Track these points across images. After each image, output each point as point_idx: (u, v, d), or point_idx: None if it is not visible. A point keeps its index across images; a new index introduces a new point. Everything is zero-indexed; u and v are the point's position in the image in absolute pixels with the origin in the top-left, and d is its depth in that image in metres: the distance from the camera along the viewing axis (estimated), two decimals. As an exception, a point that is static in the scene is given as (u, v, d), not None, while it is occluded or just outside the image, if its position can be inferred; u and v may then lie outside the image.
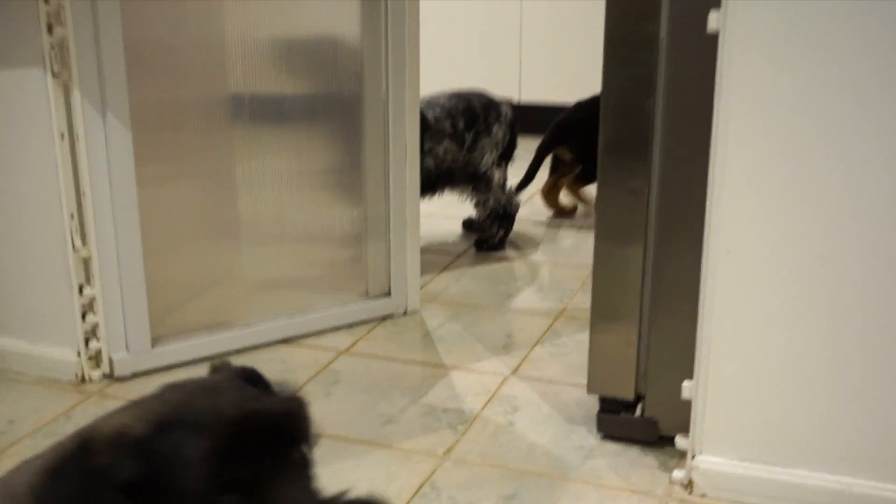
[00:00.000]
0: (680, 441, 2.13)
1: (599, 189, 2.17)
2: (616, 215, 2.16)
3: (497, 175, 3.50)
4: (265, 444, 1.07)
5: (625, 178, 2.12)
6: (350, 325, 2.91)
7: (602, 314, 2.22)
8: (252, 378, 1.24)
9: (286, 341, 2.81)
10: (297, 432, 1.12)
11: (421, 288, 3.09)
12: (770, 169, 1.87)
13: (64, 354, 2.56)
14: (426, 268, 3.22)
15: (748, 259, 1.94)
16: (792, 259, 1.91)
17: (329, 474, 2.17)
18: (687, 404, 2.06)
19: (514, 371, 2.65)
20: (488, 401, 2.48)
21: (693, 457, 2.07)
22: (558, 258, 3.54)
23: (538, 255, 3.58)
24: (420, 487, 2.11)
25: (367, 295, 3.00)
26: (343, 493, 1.10)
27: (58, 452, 1.10)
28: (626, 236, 2.16)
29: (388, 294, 2.99)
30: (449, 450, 2.26)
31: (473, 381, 2.59)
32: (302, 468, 1.12)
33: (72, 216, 2.44)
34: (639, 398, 2.25)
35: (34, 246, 2.52)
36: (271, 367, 2.65)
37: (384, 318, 2.98)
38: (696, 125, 1.99)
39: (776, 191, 1.88)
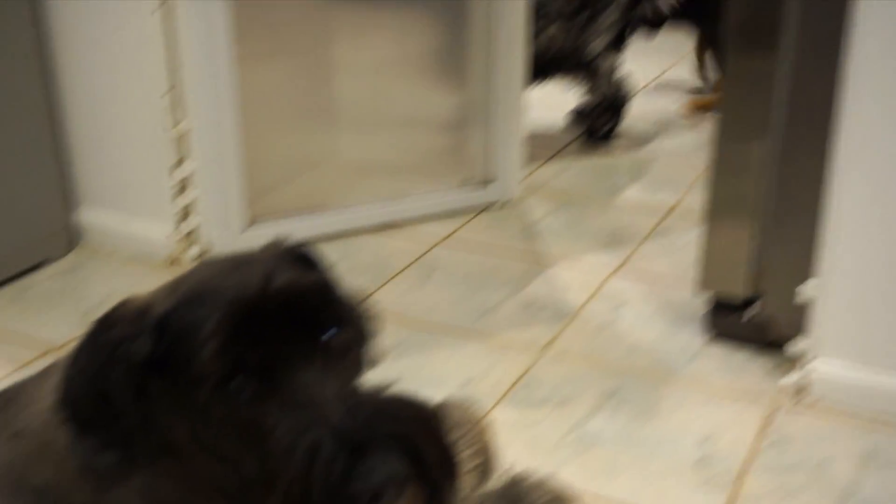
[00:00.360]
0: (794, 344, 1.99)
1: (725, 72, 2.01)
2: (741, 101, 1.99)
3: (609, 61, 3.32)
4: (283, 325, 0.97)
5: (753, 61, 1.95)
6: (449, 214, 2.81)
7: (718, 207, 2.07)
8: (302, 257, 1.12)
9: (383, 228, 2.73)
10: (323, 314, 1.00)
11: (525, 178, 2.97)
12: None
13: (158, 232, 2.52)
14: (530, 158, 3.09)
15: (884, 151, 1.77)
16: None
17: (421, 364, 2.11)
18: (803, 306, 1.92)
19: (620, 267, 2.52)
20: (591, 296, 2.38)
21: (809, 360, 1.94)
22: (672, 152, 3.37)
23: (650, 149, 3.41)
24: (517, 381, 2.02)
25: (467, 183, 2.89)
26: (382, 388, 0.97)
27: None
28: (751, 124, 1.99)
29: (490, 183, 2.88)
30: (548, 344, 2.17)
31: (576, 275, 2.48)
32: (336, 355, 0.99)
33: (170, 89, 2.37)
34: (752, 298, 2.11)
35: (131, 120, 2.46)
36: (367, 253, 2.58)
37: (485, 208, 2.87)
38: (833, 5, 1.81)
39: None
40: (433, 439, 0.96)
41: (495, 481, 1.54)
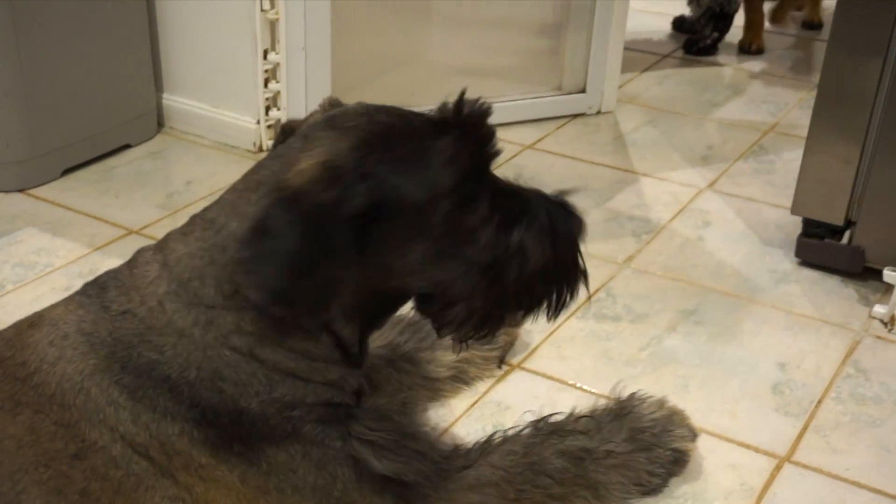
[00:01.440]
0: (888, 275, 1.90)
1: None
2: (857, 17, 1.87)
3: (716, -30, 3.18)
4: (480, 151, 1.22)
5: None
6: (539, 120, 2.74)
7: (822, 127, 1.97)
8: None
9: (470, 129, 2.67)
10: (492, 140, 1.25)
11: (619, 87, 2.88)
12: None
13: (243, 121, 2.51)
14: (627, 66, 2.98)
15: None
16: None
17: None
18: (903, 235, 1.83)
19: (711, 184, 2.44)
20: (678, 212, 2.30)
21: (901, 293, 1.85)
22: (777, 69, 3.23)
23: (754, 64, 3.27)
24: (595, 292, 1.98)
25: (560, 89, 2.81)
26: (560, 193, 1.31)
27: (270, 203, 1.12)
28: (865, 42, 1.88)
29: (584, 90, 2.80)
30: (630, 258, 2.11)
31: (665, 190, 2.41)
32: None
33: (260, -23, 2.34)
34: (848, 224, 2.02)
35: (222, 4, 2.43)
36: (452, 154, 2.54)
37: (576, 116, 2.79)
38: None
39: None
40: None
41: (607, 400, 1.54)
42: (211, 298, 1.20)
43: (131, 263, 1.29)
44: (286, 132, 1.29)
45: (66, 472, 1.20)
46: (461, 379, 1.69)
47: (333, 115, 1.23)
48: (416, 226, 1.18)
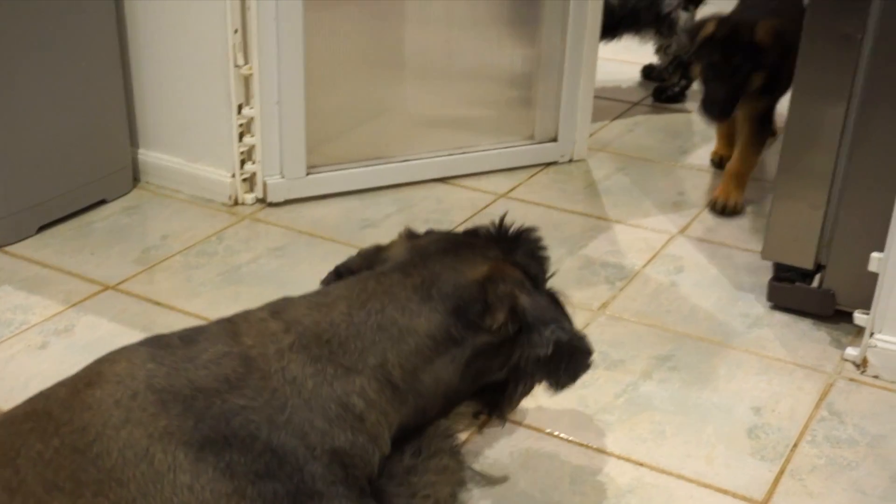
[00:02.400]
0: (859, 317, 1.93)
1: (805, 33, 1.93)
2: (821, 64, 1.92)
3: (684, 18, 3.23)
4: None
5: (836, 20, 1.87)
6: (512, 169, 2.77)
7: (790, 173, 2.01)
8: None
9: (443, 180, 2.70)
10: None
11: (590, 135, 2.92)
12: None
13: (219, 175, 2.53)
14: (598, 115, 3.03)
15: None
16: None
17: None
18: (871, 278, 1.86)
19: (683, 230, 2.47)
20: (651, 258, 2.33)
21: (871, 335, 1.88)
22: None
23: (720, 112, 3.32)
24: (569, 340, 1.99)
25: (532, 139, 2.84)
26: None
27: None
28: (829, 89, 1.93)
29: (555, 139, 2.83)
30: (604, 305, 2.13)
31: (637, 236, 2.44)
32: None
33: (235, 31, 2.36)
34: (818, 268, 2.05)
35: (197, 61, 2.46)
36: (426, 205, 2.56)
37: (548, 165, 2.83)
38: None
39: None
40: None
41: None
42: (350, 361, 1.28)
43: (234, 318, 1.34)
44: (343, 273, 1.49)
45: None
46: None
47: (456, 238, 1.49)
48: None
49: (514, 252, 1.44)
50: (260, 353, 1.27)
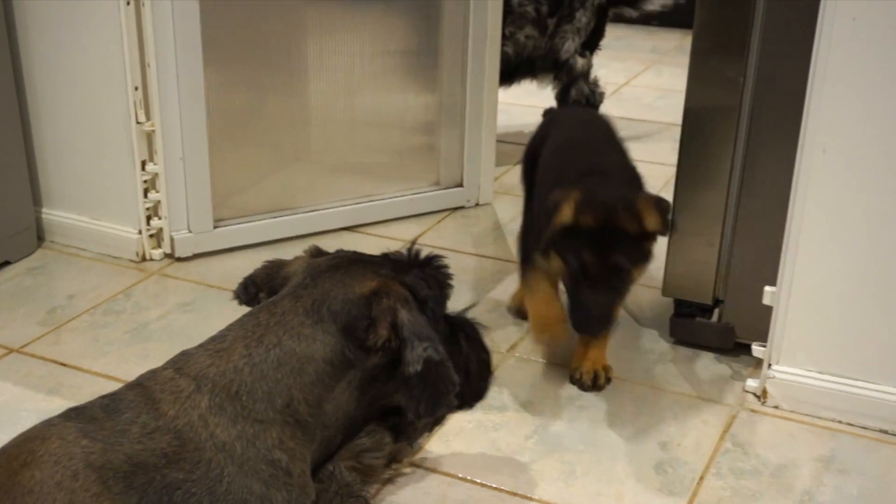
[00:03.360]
0: (757, 349, 2.00)
1: (690, 76, 2.01)
2: (706, 106, 2.00)
3: (580, 63, 3.32)
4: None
5: (719, 65, 1.95)
6: (419, 215, 2.81)
7: (684, 212, 2.08)
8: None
9: (352, 228, 2.72)
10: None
11: (495, 179, 2.97)
12: (874, 65, 1.70)
13: (125, 232, 2.51)
14: (502, 159, 3.08)
15: (845, 159, 1.78)
16: (893, 161, 1.74)
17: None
18: (767, 312, 1.93)
19: (588, 269, 2.52)
20: (558, 299, 2.37)
21: (769, 366, 1.95)
22: (642, 155, 3.34)
23: (621, 152, 3.41)
24: (480, 384, 2.02)
25: (437, 185, 2.89)
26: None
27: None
28: (715, 130, 2.00)
29: (461, 184, 2.88)
30: (513, 346, 2.17)
31: (544, 277, 2.48)
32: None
33: (136, 88, 2.36)
34: (716, 303, 2.12)
35: (97, 118, 2.45)
36: (335, 253, 2.58)
37: (455, 209, 2.87)
38: (799, 13, 1.82)
39: (879, 88, 1.71)
40: None
41: None
42: (262, 413, 1.28)
43: (145, 382, 1.32)
44: (249, 286, 1.55)
45: None
46: None
47: (347, 255, 1.48)
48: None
49: (406, 272, 1.45)
50: (186, 423, 1.26)
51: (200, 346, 1.38)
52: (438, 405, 1.37)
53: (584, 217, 1.77)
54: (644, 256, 1.84)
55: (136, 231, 2.50)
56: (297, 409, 1.31)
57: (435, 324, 1.42)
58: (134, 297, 2.36)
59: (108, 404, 1.30)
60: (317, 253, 1.51)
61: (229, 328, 1.39)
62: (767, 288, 1.92)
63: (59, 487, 1.18)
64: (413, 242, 1.55)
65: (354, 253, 1.50)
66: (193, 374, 1.31)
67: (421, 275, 1.45)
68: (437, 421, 1.58)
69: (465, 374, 1.48)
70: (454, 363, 1.42)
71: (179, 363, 1.35)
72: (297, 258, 1.51)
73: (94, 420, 1.26)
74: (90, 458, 1.20)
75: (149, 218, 2.49)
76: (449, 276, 1.51)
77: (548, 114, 2.72)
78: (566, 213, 1.78)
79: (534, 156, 2.20)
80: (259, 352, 1.32)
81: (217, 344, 1.36)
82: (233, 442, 1.26)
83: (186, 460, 1.23)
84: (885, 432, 1.88)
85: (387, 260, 1.47)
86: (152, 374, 1.35)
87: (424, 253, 1.50)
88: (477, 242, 2.68)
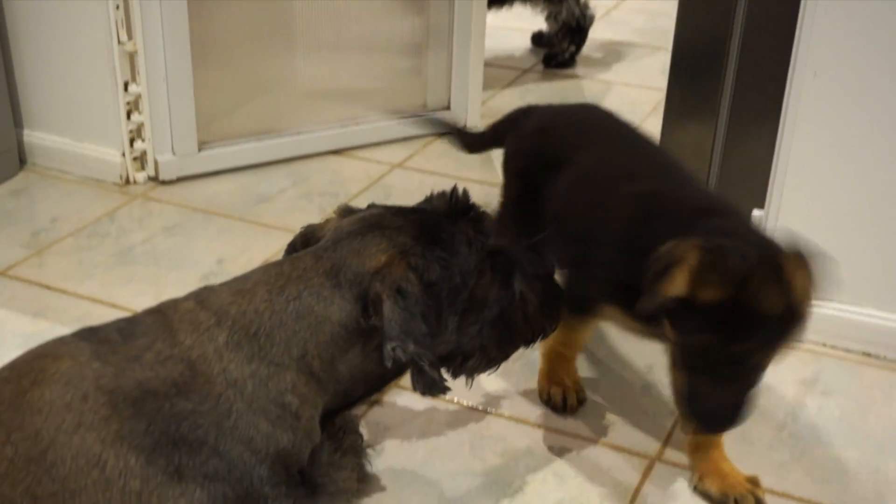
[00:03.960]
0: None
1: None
2: (698, 26, 1.98)
3: (571, -14, 3.27)
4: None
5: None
6: (405, 139, 2.78)
7: (673, 136, 2.08)
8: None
9: (337, 152, 2.70)
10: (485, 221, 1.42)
11: (483, 103, 2.94)
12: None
13: (108, 154, 2.48)
14: (489, 83, 3.05)
15: (836, 82, 1.76)
16: (883, 83, 1.73)
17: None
18: (755, 236, 1.93)
19: (575, 194, 2.51)
20: (545, 223, 2.37)
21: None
22: (631, 78, 3.34)
23: (610, 75, 3.38)
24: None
25: (424, 108, 2.86)
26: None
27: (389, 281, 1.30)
28: (706, 53, 1.98)
29: (448, 108, 2.85)
30: (500, 271, 2.17)
31: (531, 202, 2.47)
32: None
33: (117, 7, 2.32)
34: (704, 227, 2.11)
35: (78, 38, 2.40)
36: (321, 178, 2.56)
37: (442, 134, 2.84)
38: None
39: (872, 11, 1.69)
40: None
41: None
42: (278, 357, 1.27)
43: (164, 310, 1.31)
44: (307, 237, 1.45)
45: None
46: None
47: (371, 218, 1.38)
48: (451, 303, 1.35)
49: (426, 245, 1.33)
50: (201, 354, 1.25)
51: (224, 283, 1.36)
52: (432, 389, 1.31)
53: (706, 291, 1.28)
54: (791, 336, 1.34)
55: (120, 153, 2.47)
56: (311, 363, 1.30)
57: (453, 299, 1.35)
58: (118, 221, 2.34)
59: (125, 328, 1.29)
60: (345, 212, 1.45)
61: (253, 272, 1.37)
62: (755, 211, 1.92)
63: (68, 408, 1.18)
64: (454, 188, 1.44)
65: (382, 212, 1.40)
66: (214, 308, 1.30)
67: (438, 249, 1.34)
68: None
69: (523, 317, 1.43)
70: (508, 309, 1.40)
71: (202, 296, 1.33)
72: (328, 220, 1.46)
73: (108, 342, 1.25)
74: (101, 380, 1.20)
75: (132, 140, 2.46)
76: (487, 234, 1.40)
77: (527, 115, 1.94)
78: (678, 284, 1.28)
79: (529, 179, 1.78)
80: (280, 300, 1.30)
81: (240, 283, 1.34)
82: (245, 379, 1.25)
83: (196, 392, 1.23)
84: (869, 355, 1.90)
85: (415, 220, 1.36)
86: (173, 303, 1.33)
87: (465, 200, 1.42)
88: (464, 167, 2.66)
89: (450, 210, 1.40)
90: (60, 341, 1.28)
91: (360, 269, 1.31)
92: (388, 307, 1.28)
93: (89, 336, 1.28)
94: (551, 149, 1.74)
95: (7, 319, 1.96)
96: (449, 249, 1.34)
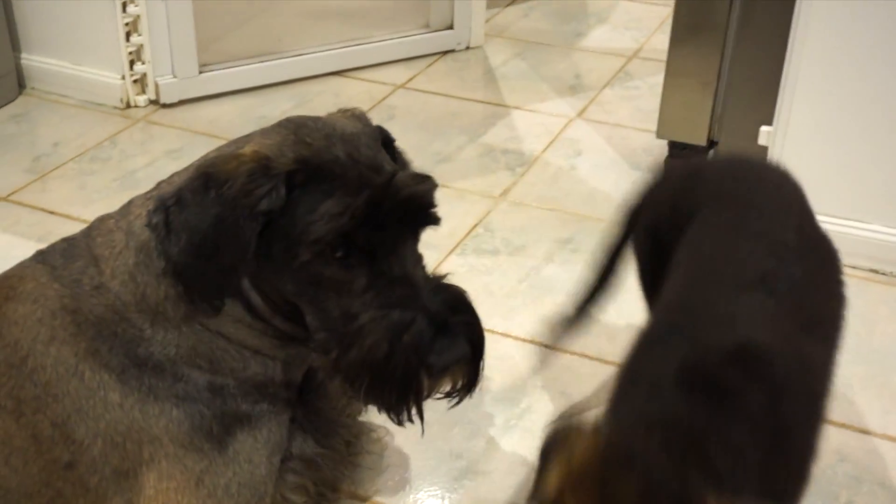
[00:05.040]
0: (751, 192, 1.98)
1: None
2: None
3: None
4: (392, 218, 1.12)
5: None
6: (408, 59, 2.75)
7: (680, 52, 2.04)
8: (386, 140, 1.25)
9: (340, 73, 2.67)
10: (425, 216, 1.16)
11: (486, 21, 2.90)
12: None
13: (108, 77, 2.46)
14: (493, 0, 3.01)
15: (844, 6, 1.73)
16: (896, -5, 1.70)
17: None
18: (762, 152, 1.91)
19: (580, 113, 2.49)
20: (550, 143, 2.35)
21: (763, 208, 1.94)
22: (636, -4, 3.29)
23: (615, -8, 3.33)
24: (473, 227, 2.02)
25: (427, 27, 2.82)
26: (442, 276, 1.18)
27: (194, 175, 1.13)
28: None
29: (451, 27, 2.81)
30: (506, 191, 2.15)
31: (536, 122, 2.45)
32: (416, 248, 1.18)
33: (113, -74, 2.28)
34: (711, 144, 2.10)
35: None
36: (323, 99, 2.53)
37: (445, 53, 2.81)
38: None
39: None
40: (480, 328, 1.19)
41: None
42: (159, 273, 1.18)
43: (92, 231, 1.25)
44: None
45: (61, 488, 1.17)
46: None
47: (303, 123, 1.18)
48: (289, 256, 1.13)
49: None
50: (121, 283, 1.19)
51: (147, 192, 1.27)
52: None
53: None
54: None
55: (120, 76, 2.44)
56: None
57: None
58: (120, 145, 2.32)
59: (66, 249, 1.26)
60: (358, 117, 1.28)
61: (173, 174, 1.27)
62: (763, 128, 1.90)
63: (41, 323, 1.19)
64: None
65: (332, 130, 1.19)
66: (127, 221, 1.23)
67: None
68: None
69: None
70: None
71: (129, 203, 1.27)
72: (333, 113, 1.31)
73: (56, 267, 1.24)
74: (63, 301, 1.20)
75: (132, 63, 2.43)
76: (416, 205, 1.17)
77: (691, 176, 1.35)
78: (550, 482, 0.88)
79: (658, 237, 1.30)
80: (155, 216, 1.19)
81: (153, 189, 1.25)
82: (163, 302, 1.19)
83: (132, 321, 1.19)
84: (875, 272, 1.89)
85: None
86: (100, 221, 1.27)
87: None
88: (468, 87, 2.63)
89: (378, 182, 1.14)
90: (21, 265, 1.28)
91: (213, 160, 1.17)
92: None
93: (42, 259, 1.26)
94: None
95: (12, 244, 1.95)
96: (320, 199, 1.11)
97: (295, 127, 1.17)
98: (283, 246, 1.12)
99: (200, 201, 1.11)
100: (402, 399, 1.15)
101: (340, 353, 1.15)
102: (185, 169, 1.23)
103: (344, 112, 1.29)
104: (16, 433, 1.17)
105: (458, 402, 1.20)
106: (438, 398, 1.18)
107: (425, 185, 1.16)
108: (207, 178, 1.11)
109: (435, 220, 1.18)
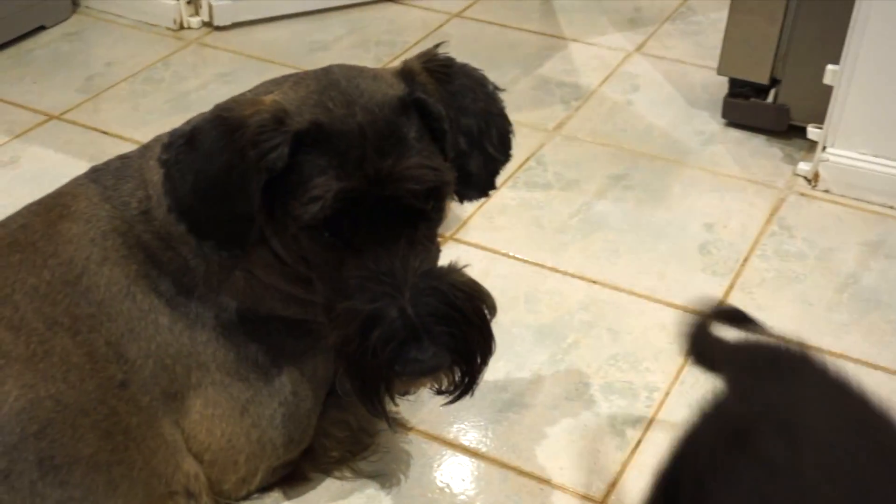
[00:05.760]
0: (812, 131, 1.94)
1: None
2: None
3: None
4: (382, 211, 1.06)
5: None
6: (465, -13, 2.70)
7: (745, -15, 1.97)
8: (426, 111, 1.14)
9: (395, 0, 2.63)
10: (416, 213, 1.09)
11: (546, -49, 2.83)
12: None
13: (162, -2, 2.44)
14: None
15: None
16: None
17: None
18: (826, 92, 1.85)
19: (639, 48, 2.43)
20: (607, 77, 2.30)
21: (823, 148, 1.89)
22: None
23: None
24: (526, 161, 1.99)
25: (485, -45, 2.75)
26: (449, 270, 1.11)
27: (209, 116, 1.11)
28: None
29: (509, -45, 2.75)
30: (560, 125, 2.12)
31: (593, 55, 2.40)
32: (418, 242, 1.10)
33: None
34: (773, 83, 2.04)
35: None
36: (378, 26, 2.50)
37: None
38: None
39: None
40: (482, 330, 1.11)
41: None
42: None
43: (147, 151, 1.26)
44: None
45: (115, 406, 1.18)
46: None
47: (334, 82, 1.12)
48: (285, 220, 1.11)
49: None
50: (165, 212, 1.19)
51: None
52: None
53: None
54: None
55: (174, -2, 2.43)
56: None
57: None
58: (172, 67, 2.31)
59: (119, 168, 1.27)
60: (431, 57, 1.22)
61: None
62: (830, 66, 1.84)
63: (94, 244, 1.20)
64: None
65: (356, 99, 1.13)
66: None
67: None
68: None
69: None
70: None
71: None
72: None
73: (107, 188, 1.24)
74: (115, 223, 1.21)
75: (186, -16, 2.41)
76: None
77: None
78: None
79: None
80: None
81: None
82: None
83: (177, 251, 1.21)
84: (939, 219, 1.84)
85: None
86: (156, 140, 1.26)
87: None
88: (524, 17, 2.57)
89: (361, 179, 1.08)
90: (75, 181, 1.28)
91: (232, 104, 1.17)
92: None
93: (95, 178, 1.26)
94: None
95: (65, 163, 1.96)
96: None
97: (325, 85, 1.11)
98: (282, 209, 1.10)
99: (211, 145, 1.09)
100: (368, 395, 1.11)
101: (328, 329, 1.13)
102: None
103: (419, 58, 1.19)
104: (73, 350, 1.18)
105: (451, 402, 1.15)
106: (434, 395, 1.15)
107: (422, 182, 1.08)
108: (221, 122, 1.09)
109: (428, 219, 1.11)
